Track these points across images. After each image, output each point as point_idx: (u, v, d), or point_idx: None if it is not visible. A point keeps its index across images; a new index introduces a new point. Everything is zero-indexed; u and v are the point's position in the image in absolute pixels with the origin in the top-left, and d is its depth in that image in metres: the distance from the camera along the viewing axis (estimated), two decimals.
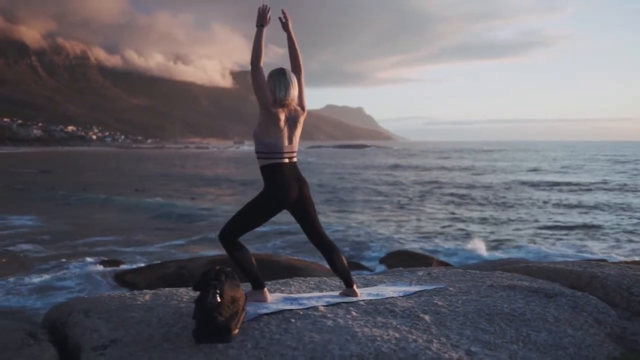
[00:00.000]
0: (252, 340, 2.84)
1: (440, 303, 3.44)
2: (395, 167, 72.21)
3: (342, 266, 3.63)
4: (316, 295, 3.68)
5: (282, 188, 3.41)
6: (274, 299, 3.55)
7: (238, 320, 2.93)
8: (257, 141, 3.47)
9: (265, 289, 3.54)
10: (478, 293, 3.70)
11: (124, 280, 14.82)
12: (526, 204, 31.35)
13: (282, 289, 3.96)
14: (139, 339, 2.91)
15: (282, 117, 3.43)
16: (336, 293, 3.78)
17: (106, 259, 17.22)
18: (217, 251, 17.72)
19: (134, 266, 16.29)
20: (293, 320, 3.09)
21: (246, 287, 3.67)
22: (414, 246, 19.61)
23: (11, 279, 14.74)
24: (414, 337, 2.83)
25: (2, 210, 28.05)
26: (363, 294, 3.75)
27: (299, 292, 3.86)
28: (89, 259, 16.97)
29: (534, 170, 61.94)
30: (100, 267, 16.14)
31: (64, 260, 16.92)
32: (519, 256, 16.76)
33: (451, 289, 3.87)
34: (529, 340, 2.89)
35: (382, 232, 22.82)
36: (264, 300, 3.48)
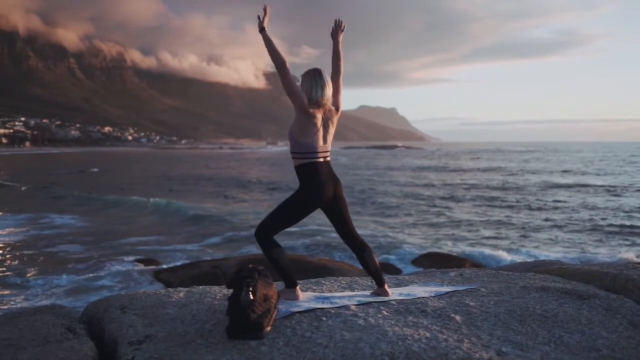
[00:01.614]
0: (284, 337, 2.88)
1: (471, 303, 3.43)
2: (426, 168, 71.71)
3: (374, 265, 3.65)
4: (348, 295, 3.71)
5: (318, 187, 3.44)
6: (305, 297, 3.58)
7: (270, 317, 2.97)
8: (293, 141, 3.50)
9: (298, 288, 3.57)
10: (510, 294, 3.68)
11: (159, 278, 15.11)
12: (560, 206, 30.82)
13: (314, 288, 3.99)
14: (173, 334, 2.98)
15: (319, 117, 3.47)
16: (368, 292, 3.80)
17: (143, 258, 17.54)
18: (254, 249, 17.91)
19: (170, 265, 16.59)
20: (324, 319, 3.12)
21: (279, 285, 3.73)
22: (446, 248, 19.48)
23: (51, 277, 15.12)
24: (445, 336, 2.83)
25: (44, 210, 28.77)
26: (394, 293, 3.76)
27: (331, 291, 3.88)
28: (127, 259, 17.32)
29: (569, 171, 60.84)
30: (138, 267, 16.45)
31: (103, 259, 17.29)
32: (552, 259, 16.53)
33: (483, 289, 3.85)
34: (562, 342, 2.87)
35: (412, 234, 22.72)
36: (296, 298, 3.51)
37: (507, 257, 18.03)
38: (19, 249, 18.83)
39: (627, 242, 20.58)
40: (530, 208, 30.13)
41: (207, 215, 27.96)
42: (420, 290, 3.89)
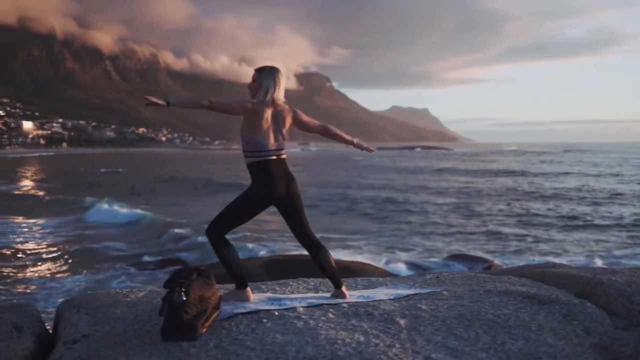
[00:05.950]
0: (217, 339, 2.83)
1: (424, 307, 3.33)
2: (457, 170, 70.73)
3: (330, 267, 3.57)
4: (302, 296, 3.63)
5: (269, 184, 3.40)
6: (256, 298, 3.53)
7: (207, 319, 2.92)
8: (244, 140, 3.47)
9: (248, 289, 3.52)
10: (470, 298, 3.56)
11: None
12: (599, 210, 29.97)
13: (277, 289, 3.93)
14: (110, 334, 2.96)
15: (266, 115, 3.42)
16: (328, 295, 3.73)
17: (166, 258, 17.64)
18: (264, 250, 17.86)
19: None
20: (265, 321, 3.06)
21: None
22: (472, 250, 19.20)
23: (72, 277, 15.28)
24: (378, 341, 2.75)
25: (83, 211, 29.11)
26: (354, 296, 3.68)
27: (294, 293, 3.81)
28: (148, 259, 17.45)
29: (602, 173, 59.36)
30: (163, 267, 16.58)
31: (130, 259, 17.41)
32: (573, 262, 16.21)
33: (445, 293, 3.74)
34: (502, 349, 2.75)
35: (440, 234, 22.52)
36: (245, 299, 3.46)
37: (531, 259, 17.71)
38: (47, 251, 19.09)
39: None
40: (561, 209, 29.48)
41: None
42: (381, 293, 3.80)
